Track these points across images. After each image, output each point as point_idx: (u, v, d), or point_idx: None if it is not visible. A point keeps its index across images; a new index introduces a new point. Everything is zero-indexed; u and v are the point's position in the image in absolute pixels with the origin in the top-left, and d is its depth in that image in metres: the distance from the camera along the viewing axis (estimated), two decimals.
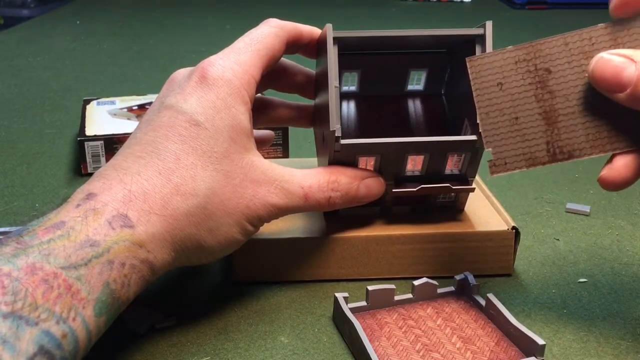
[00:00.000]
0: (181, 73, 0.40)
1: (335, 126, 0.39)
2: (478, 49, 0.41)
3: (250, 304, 0.42)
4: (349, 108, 0.48)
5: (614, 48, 0.34)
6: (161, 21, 1.34)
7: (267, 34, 0.40)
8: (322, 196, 0.40)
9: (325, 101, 0.40)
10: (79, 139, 0.60)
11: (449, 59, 0.47)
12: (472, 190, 0.44)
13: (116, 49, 1.11)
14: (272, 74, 0.45)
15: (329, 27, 0.40)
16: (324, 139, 0.43)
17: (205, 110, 0.37)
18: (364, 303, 0.40)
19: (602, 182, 0.36)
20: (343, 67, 0.45)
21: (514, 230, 0.44)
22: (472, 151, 0.42)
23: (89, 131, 0.61)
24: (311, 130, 0.49)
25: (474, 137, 0.41)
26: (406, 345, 0.37)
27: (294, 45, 0.43)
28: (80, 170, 0.61)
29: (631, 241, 0.50)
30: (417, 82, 0.48)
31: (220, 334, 0.39)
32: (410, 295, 0.41)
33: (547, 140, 0.36)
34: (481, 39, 0.41)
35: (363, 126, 0.47)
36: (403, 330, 0.39)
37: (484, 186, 0.51)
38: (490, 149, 0.37)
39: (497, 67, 0.36)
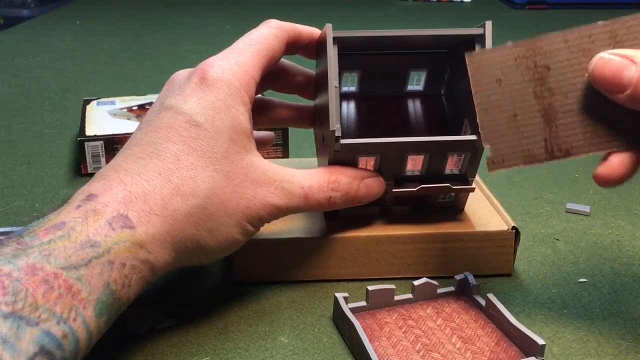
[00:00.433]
0: (181, 74, 0.40)
1: (335, 126, 0.39)
2: (478, 49, 0.41)
3: (250, 304, 0.42)
4: (349, 108, 0.48)
5: (614, 47, 0.34)
6: (161, 21, 1.34)
7: (267, 35, 0.40)
8: (322, 196, 0.40)
9: (325, 101, 0.40)
10: (79, 139, 0.60)
11: (449, 59, 0.47)
12: (472, 190, 0.44)
13: (116, 49, 1.11)
14: (272, 75, 0.45)
15: (328, 27, 0.40)
16: (324, 139, 0.43)
17: (205, 111, 0.37)
18: (364, 303, 0.40)
19: (598, 178, 0.36)
20: (343, 67, 0.45)
21: (514, 230, 0.44)
22: (472, 151, 0.42)
23: (89, 131, 0.61)
24: (311, 130, 0.49)
25: (474, 137, 0.41)
26: (406, 345, 0.37)
27: (293, 46, 0.43)
28: (80, 170, 0.61)
29: (631, 241, 0.51)
30: (417, 82, 0.48)
31: (220, 334, 0.39)
32: (410, 295, 0.41)
33: (545, 137, 0.36)
34: (481, 39, 0.41)
35: (363, 126, 0.47)
36: (403, 330, 0.39)
37: (484, 186, 0.51)
38: (488, 146, 0.37)
39: (496, 64, 0.36)
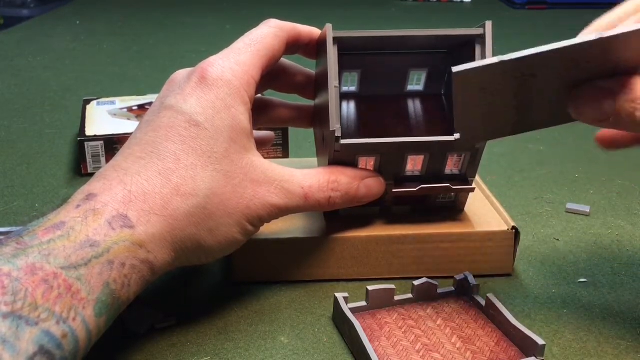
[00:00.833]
0: (181, 74, 0.40)
1: (335, 126, 0.39)
2: (478, 49, 0.41)
3: (250, 304, 0.42)
4: (349, 108, 0.48)
5: (604, 56, 0.34)
6: (161, 21, 1.34)
7: (267, 35, 0.40)
8: (322, 196, 0.40)
9: (325, 101, 0.40)
10: (79, 139, 0.60)
11: (449, 59, 0.47)
12: (472, 190, 0.44)
13: (116, 49, 1.11)
14: (272, 75, 0.45)
15: (328, 27, 0.40)
16: (324, 139, 0.43)
17: (205, 111, 0.37)
18: (364, 303, 0.40)
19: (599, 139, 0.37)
20: (343, 67, 0.45)
21: (514, 230, 0.44)
22: (472, 151, 0.42)
23: (89, 131, 0.61)
24: (311, 130, 0.49)
25: None
26: (406, 345, 0.37)
27: (293, 46, 0.43)
28: (80, 170, 0.61)
29: (631, 241, 0.51)
30: (417, 82, 0.48)
31: (220, 334, 0.39)
32: (410, 295, 0.41)
33: (514, 122, 0.37)
34: (481, 39, 0.41)
35: (363, 126, 0.47)
36: (403, 330, 0.39)
37: (484, 186, 0.51)
38: (459, 134, 0.39)
39: (484, 79, 0.35)
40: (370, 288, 0.40)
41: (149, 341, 0.39)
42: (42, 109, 0.80)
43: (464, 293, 0.42)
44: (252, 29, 0.41)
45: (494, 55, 0.40)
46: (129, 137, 0.38)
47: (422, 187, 0.43)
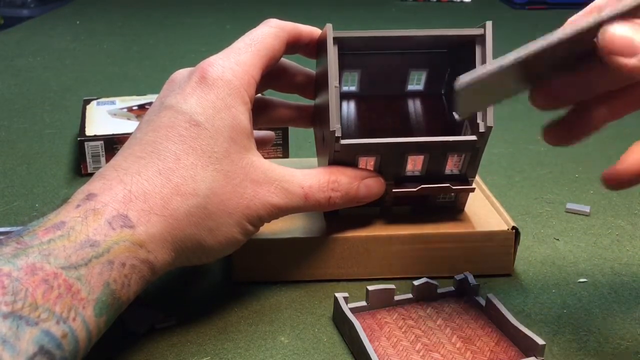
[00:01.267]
0: (181, 73, 0.40)
1: (335, 126, 0.39)
2: (478, 49, 0.41)
3: (250, 304, 0.42)
4: (349, 108, 0.48)
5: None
6: (161, 21, 1.34)
7: (267, 35, 0.40)
8: (322, 196, 0.40)
9: (325, 101, 0.40)
10: (79, 139, 0.60)
11: (449, 59, 0.47)
12: (472, 190, 0.44)
13: (116, 49, 1.11)
14: (272, 74, 0.45)
15: (329, 27, 0.40)
16: (324, 139, 0.43)
17: (205, 111, 0.37)
18: (364, 303, 0.40)
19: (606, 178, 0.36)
20: (343, 67, 0.45)
21: (514, 230, 0.44)
22: (472, 151, 0.42)
23: (89, 131, 0.61)
24: (311, 130, 0.49)
25: (474, 137, 0.41)
26: (406, 345, 0.37)
27: (294, 46, 0.43)
28: (80, 170, 0.61)
29: (631, 241, 0.50)
30: (417, 82, 0.48)
31: (220, 334, 0.39)
32: (410, 295, 0.41)
33: (516, 90, 0.36)
34: (481, 39, 0.41)
35: (363, 126, 0.47)
36: (403, 330, 0.39)
37: (484, 186, 0.51)
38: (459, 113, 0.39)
39: (484, 80, 0.35)
40: (370, 288, 0.40)
41: (149, 341, 0.39)
42: (42, 109, 0.80)
43: (464, 293, 0.42)
44: (252, 28, 0.41)
45: (494, 55, 0.41)
46: (129, 137, 0.38)
47: (422, 187, 0.43)
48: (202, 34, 1.23)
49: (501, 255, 0.45)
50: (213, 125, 0.37)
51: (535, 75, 0.35)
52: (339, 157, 0.41)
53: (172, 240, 0.35)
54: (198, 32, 1.25)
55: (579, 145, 0.36)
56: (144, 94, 0.72)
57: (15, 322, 0.27)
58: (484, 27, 0.41)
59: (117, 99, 0.70)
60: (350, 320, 0.38)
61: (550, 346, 0.39)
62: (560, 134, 0.37)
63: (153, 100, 0.40)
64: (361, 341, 0.36)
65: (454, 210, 0.46)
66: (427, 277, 0.41)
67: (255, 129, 0.43)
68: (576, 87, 0.35)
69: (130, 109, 0.67)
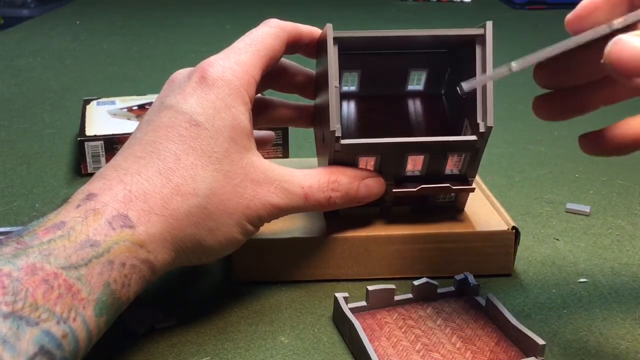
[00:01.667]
0: (181, 73, 0.40)
1: (335, 126, 0.39)
2: (478, 49, 0.41)
3: (250, 304, 0.42)
4: (349, 108, 0.48)
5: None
6: (161, 21, 1.34)
7: (267, 35, 0.40)
8: (322, 196, 0.40)
9: (325, 101, 0.40)
10: (79, 139, 0.60)
11: (449, 59, 0.47)
12: (472, 190, 0.44)
13: (116, 49, 1.11)
14: (272, 74, 0.45)
15: (329, 27, 0.40)
16: (324, 139, 0.43)
17: (205, 111, 0.37)
18: (364, 303, 0.40)
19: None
20: (343, 67, 0.45)
21: (514, 230, 0.44)
22: (472, 151, 0.42)
23: (89, 131, 0.61)
24: (311, 130, 0.49)
25: (474, 137, 0.41)
26: (406, 345, 0.37)
27: (294, 46, 0.43)
28: (80, 170, 0.61)
29: (631, 241, 0.51)
30: (417, 82, 0.48)
31: (220, 334, 0.39)
32: (410, 295, 0.41)
33: None
34: (481, 39, 0.41)
35: (363, 126, 0.47)
36: (403, 330, 0.39)
37: (484, 186, 0.51)
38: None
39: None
40: (370, 288, 0.40)
41: (149, 341, 0.39)
42: (42, 109, 0.80)
43: (464, 293, 0.42)
44: (252, 28, 0.41)
45: (494, 55, 0.41)
46: (129, 137, 0.38)
47: (422, 187, 0.43)
48: (202, 34, 1.23)
49: (501, 255, 0.45)
50: (213, 125, 0.37)
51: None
52: (339, 157, 0.41)
53: (172, 240, 0.35)
54: (198, 32, 1.25)
55: (578, 146, 0.36)
56: (144, 94, 0.72)
57: (16, 322, 0.27)
58: (484, 27, 0.41)
59: (117, 99, 0.70)
60: (350, 320, 0.38)
61: (550, 346, 0.39)
62: (553, 109, 0.37)
63: (153, 100, 0.40)
64: (361, 341, 0.36)
65: (454, 210, 0.46)
66: (427, 277, 0.41)
67: (255, 129, 0.43)
68: (579, 69, 0.35)
69: (130, 109, 0.67)
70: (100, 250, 0.32)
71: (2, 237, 0.32)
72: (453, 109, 0.47)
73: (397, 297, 0.41)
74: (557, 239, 0.51)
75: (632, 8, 0.33)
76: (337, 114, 0.39)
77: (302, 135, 0.67)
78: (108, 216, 0.33)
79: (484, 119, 0.40)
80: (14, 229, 0.47)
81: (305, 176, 0.40)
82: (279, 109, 0.48)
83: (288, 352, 0.38)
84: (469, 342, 0.38)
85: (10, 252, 0.30)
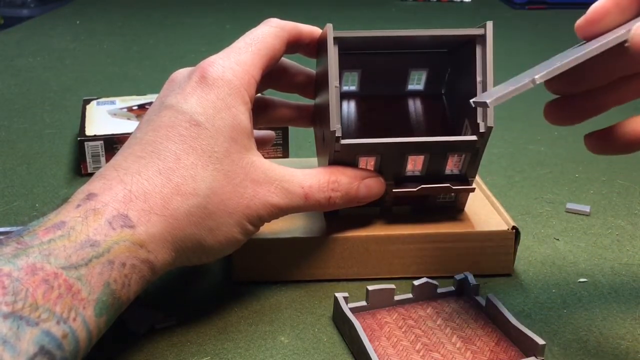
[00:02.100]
0: (181, 73, 0.40)
1: (335, 126, 0.39)
2: (478, 49, 0.41)
3: (250, 304, 0.42)
4: (349, 108, 0.48)
5: None
6: (161, 21, 1.34)
7: (268, 34, 0.40)
8: (322, 196, 0.40)
9: (326, 101, 0.40)
10: (79, 139, 0.60)
11: (449, 59, 0.47)
12: (472, 190, 0.44)
13: (116, 49, 1.11)
14: (273, 74, 0.45)
15: (329, 27, 0.40)
16: (324, 139, 0.43)
17: (206, 110, 0.37)
18: (364, 303, 0.40)
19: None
20: (343, 67, 0.45)
21: (514, 230, 0.44)
22: (472, 151, 0.42)
23: (89, 131, 0.61)
24: (311, 130, 0.49)
25: (474, 137, 0.41)
26: (406, 345, 0.37)
27: (294, 45, 0.43)
28: (80, 170, 0.61)
29: (631, 241, 0.51)
30: (417, 82, 0.48)
31: (220, 334, 0.39)
32: (410, 295, 0.41)
33: None
34: (482, 39, 0.41)
35: (363, 126, 0.47)
36: (403, 330, 0.39)
37: (484, 186, 0.51)
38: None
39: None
40: (370, 288, 0.40)
41: (149, 341, 0.39)
42: (42, 109, 0.80)
43: (464, 293, 0.42)
44: (252, 28, 0.41)
45: (494, 56, 0.41)
46: (129, 137, 0.38)
47: (422, 187, 0.43)
48: (202, 34, 1.23)
49: (501, 255, 0.45)
50: (213, 125, 0.37)
51: None
52: (339, 157, 0.41)
53: (173, 240, 0.35)
54: (198, 32, 1.25)
55: (579, 145, 0.37)
56: (144, 94, 0.72)
57: (16, 322, 0.27)
58: (484, 27, 0.41)
59: (117, 99, 0.70)
60: (350, 320, 0.38)
61: (550, 346, 0.39)
62: (565, 114, 0.37)
63: (153, 100, 0.40)
64: (361, 341, 0.36)
65: (454, 210, 0.46)
66: (427, 277, 0.41)
67: (255, 128, 0.44)
68: (593, 74, 0.35)
69: (130, 109, 0.67)
70: (101, 250, 0.32)
71: (2, 237, 0.32)
72: (453, 109, 0.47)
73: (397, 297, 0.41)
74: (557, 239, 0.51)
75: None
76: (337, 114, 0.39)
77: (302, 135, 0.67)
78: (108, 216, 0.33)
79: (484, 119, 0.40)
80: (14, 229, 0.47)
81: (305, 176, 0.40)
82: (279, 109, 0.48)
83: (288, 352, 0.38)
84: (469, 342, 0.38)
85: (11, 252, 0.30)
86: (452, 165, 0.43)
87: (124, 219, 0.33)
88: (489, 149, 0.44)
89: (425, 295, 0.41)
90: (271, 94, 0.49)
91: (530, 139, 0.71)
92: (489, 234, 0.44)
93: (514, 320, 0.38)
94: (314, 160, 0.51)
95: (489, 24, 0.41)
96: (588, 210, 0.54)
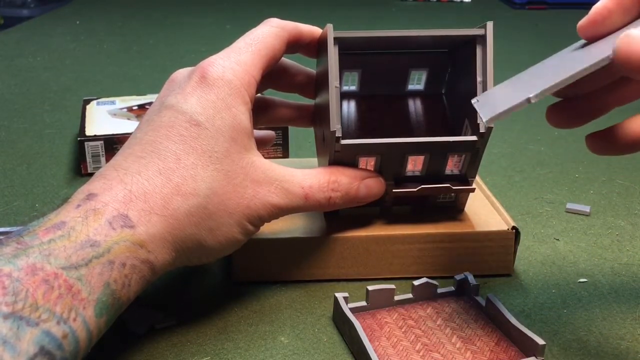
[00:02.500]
0: (181, 73, 0.40)
1: (335, 126, 0.39)
2: (479, 49, 0.41)
3: (250, 304, 0.42)
4: (350, 107, 0.48)
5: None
6: (161, 21, 1.34)
7: (268, 34, 0.40)
8: (322, 196, 0.40)
9: (326, 101, 0.40)
10: (79, 139, 0.60)
11: (450, 59, 0.47)
12: (472, 190, 0.44)
13: (116, 49, 1.11)
14: (273, 74, 0.45)
15: (329, 27, 0.40)
16: (324, 139, 0.43)
17: (206, 110, 0.37)
18: (364, 303, 0.40)
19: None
20: (343, 67, 0.45)
21: (514, 230, 0.44)
22: (472, 151, 0.42)
23: (89, 131, 0.61)
24: (311, 130, 0.49)
25: (474, 138, 0.41)
26: (406, 345, 0.37)
27: (294, 45, 0.43)
28: (80, 170, 0.61)
29: (631, 241, 0.51)
30: (417, 82, 0.48)
31: (220, 334, 0.39)
32: (410, 295, 0.41)
33: None
34: (482, 39, 0.41)
35: (363, 126, 0.47)
36: (403, 330, 0.39)
37: (484, 186, 0.51)
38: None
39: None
40: (370, 288, 0.40)
41: (149, 341, 0.39)
42: (42, 109, 0.80)
43: (464, 293, 0.42)
44: (252, 28, 0.41)
45: (494, 56, 0.41)
46: (129, 137, 0.38)
47: (422, 188, 0.43)
48: (202, 34, 1.23)
49: (501, 255, 0.45)
50: (213, 125, 0.37)
51: None
52: (339, 157, 0.41)
53: (173, 240, 0.35)
54: (198, 32, 1.25)
55: (579, 145, 0.37)
56: (144, 94, 0.72)
57: (16, 322, 0.27)
58: (484, 27, 0.41)
59: (117, 99, 0.70)
60: (350, 320, 0.38)
61: (550, 346, 0.39)
62: (567, 117, 0.37)
63: (153, 100, 0.40)
64: (361, 341, 0.36)
65: (454, 210, 0.46)
66: (427, 277, 0.41)
67: (255, 128, 0.44)
68: (593, 77, 0.35)
69: (130, 109, 0.67)
70: (101, 250, 0.32)
71: (2, 237, 0.32)
72: (453, 109, 0.47)
73: (397, 297, 0.41)
74: (557, 239, 0.51)
75: None
76: (338, 114, 0.39)
77: (302, 135, 0.67)
78: (108, 216, 0.33)
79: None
80: (14, 229, 0.47)
81: (305, 176, 0.40)
82: (280, 109, 0.48)
83: (288, 352, 0.38)
84: (469, 342, 0.38)
85: (11, 252, 0.30)
86: (452, 166, 0.43)
87: (124, 219, 0.33)
88: (489, 149, 0.44)
89: (425, 296, 0.41)
90: (271, 94, 0.49)
91: (530, 139, 0.71)
92: (489, 234, 0.44)
93: (514, 320, 0.38)
94: (314, 160, 0.51)
95: (489, 24, 0.41)
96: (588, 210, 0.54)
